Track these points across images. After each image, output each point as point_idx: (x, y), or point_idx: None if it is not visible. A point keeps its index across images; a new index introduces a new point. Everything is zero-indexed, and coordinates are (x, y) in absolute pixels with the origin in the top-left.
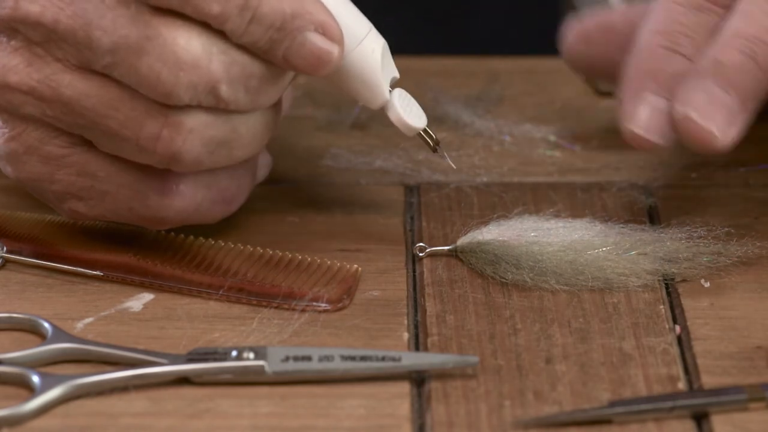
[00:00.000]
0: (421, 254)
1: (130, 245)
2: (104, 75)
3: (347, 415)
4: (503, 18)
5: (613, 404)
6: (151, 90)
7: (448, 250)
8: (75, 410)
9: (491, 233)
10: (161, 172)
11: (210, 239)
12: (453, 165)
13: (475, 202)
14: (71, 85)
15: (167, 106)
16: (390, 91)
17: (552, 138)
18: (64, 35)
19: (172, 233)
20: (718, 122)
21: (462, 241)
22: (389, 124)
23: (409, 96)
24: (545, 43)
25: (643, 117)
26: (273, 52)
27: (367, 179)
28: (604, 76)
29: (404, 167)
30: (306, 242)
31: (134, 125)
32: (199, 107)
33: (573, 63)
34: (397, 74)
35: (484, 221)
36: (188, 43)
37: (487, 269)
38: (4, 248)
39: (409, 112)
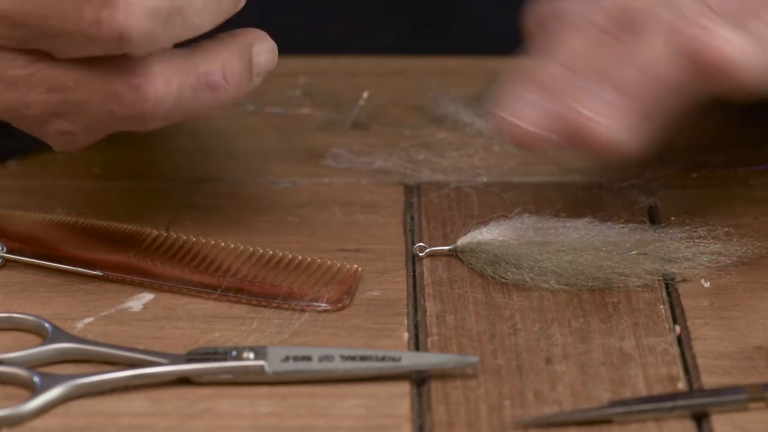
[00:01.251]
0: (421, 254)
1: (130, 245)
2: None
3: (347, 415)
4: (503, 18)
5: (613, 404)
6: None
7: (448, 250)
8: (75, 410)
9: (491, 233)
10: (128, 65)
11: (210, 239)
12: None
13: (475, 202)
14: None
15: None
16: None
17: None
18: None
19: (172, 233)
20: (605, 115)
21: (462, 241)
22: (389, 123)
23: None
24: None
25: (521, 109)
26: None
27: (367, 179)
28: None
29: (404, 167)
30: (306, 242)
31: (74, 16)
32: None
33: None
34: None
35: (484, 221)
36: None
37: (487, 269)
38: (4, 248)
39: None
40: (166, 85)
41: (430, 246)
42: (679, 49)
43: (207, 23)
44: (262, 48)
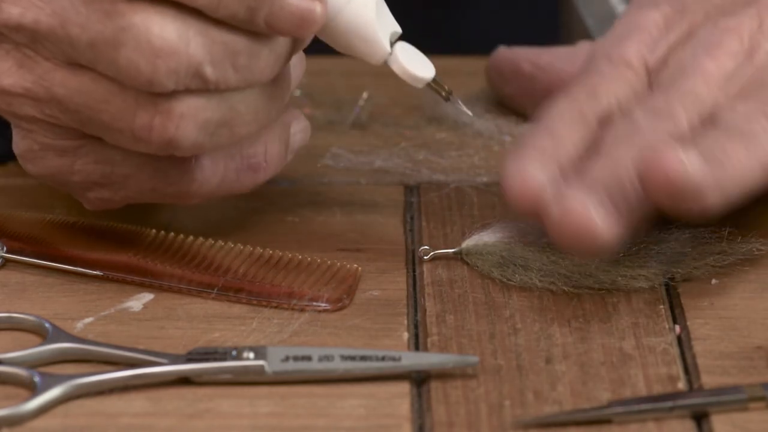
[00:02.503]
0: (425, 257)
1: (130, 245)
2: (92, 69)
3: (347, 415)
4: (503, 18)
5: (613, 404)
6: (133, 81)
7: (453, 252)
8: (75, 410)
9: (497, 235)
10: None
11: (210, 239)
12: (469, 112)
13: (475, 202)
14: (63, 83)
15: (156, 94)
16: (392, 44)
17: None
18: (46, 35)
19: (172, 233)
20: (593, 209)
21: (467, 243)
22: (389, 124)
23: (413, 48)
24: (544, 44)
25: (529, 169)
26: (254, 21)
27: (367, 179)
28: (515, 106)
29: (404, 167)
30: (306, 242)
31: (126, 117)
32: (187, 91)
33: (493, 88)
34: (398, 29)
35: (488, 222)
36: (162, 30)
37: (494, 272)
38: (4, 248)
39: (414, 63)
40: (213, 167)
41: (433, 248)
42: (636, 167)
43: (252, 132)
44: (298, 128)
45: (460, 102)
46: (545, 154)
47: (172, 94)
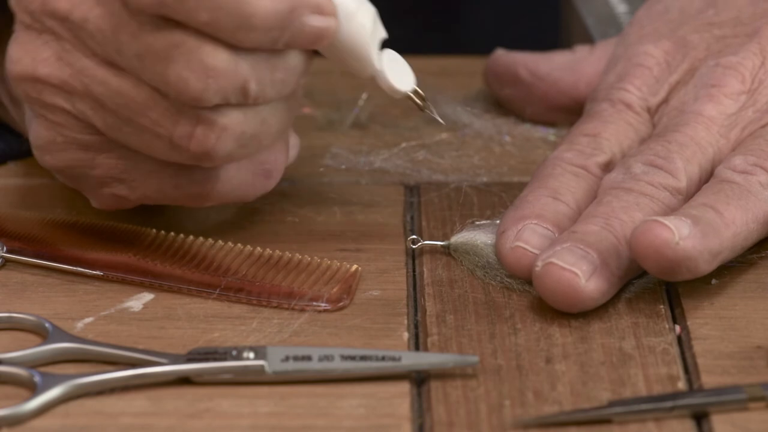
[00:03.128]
0: (413, 246)
1: (130, 245)
2: (133, 74)
3: (347, 415)
4: (503, 18)
5: (613, 404)
6: (179, 95)
7: (442, 246)
8: (75, 410)
9: (486, 235)
10: None
11: (210, 239)
12: (441, 120)
13: (475, 202)
14: (103, 81)
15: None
16: (379, 55)
17: (552, 138)
18: (92, 34)
19: (172, 233)
20: (582, 268)
21: (456, 239)
22: (389, 124)
23: (397, 57)
24: (544, 44)
25: (526, 235)
26: (275, 46)
27: (367, 179)
28: (512, 109)
29: (404, 167)
30: (306, 242)
31: (167, 123)
32: (228, 105)
33: (490, 90)
34: (384, 34)
35: (479, 219)
36: (215, 49)
37: (477, 272)
38: (4, 248)
39: (397, 76)
40: (235, 168)
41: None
42: (628, 239)
43: (273, 143)
44: (293, 142)
45: (434, 111)
46: (543, 218)
47: (215, 107)
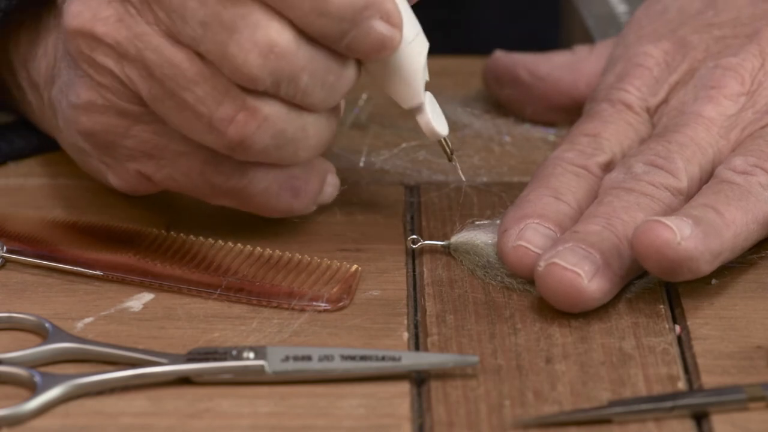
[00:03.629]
0: (413, 246)
1: (130, 245)
2: (190, 48)
3: (347, 415)
4: (503, 18)
5: (613, 404)
6: (235, 69)
7: (442, 245)
8: (75, 410)
9: (487, 235)
10: None
11: (210, 239)
12: (463, 177)
13: (475, 202)
14: (157, 49)
15: (246, 89)
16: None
17: (552, 138)
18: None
19: (172, 233)
20: (584, 268)
21: (456, 239)
22: (389, 124)
23: (435, 102)
24: (544, 44)
25: (528, 234)
26: (338, 42)
27: (367, 179)
28: (512, 109)
29: (404, 167)
30: (306, 242)
31: (211, 102)
32: (276, 97)
33: (490, 91)
34: (428, 77)
35: (479, 219)
36: (281, 28)
37: (478, 271)
38: (4, 248)
39: (436, 118)
40: (265, 170)
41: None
42: (630, 239)
43: (308, 159)
44: (332, 181)
45: (458, 166)
46: (545, 217)
47: (262, 95)
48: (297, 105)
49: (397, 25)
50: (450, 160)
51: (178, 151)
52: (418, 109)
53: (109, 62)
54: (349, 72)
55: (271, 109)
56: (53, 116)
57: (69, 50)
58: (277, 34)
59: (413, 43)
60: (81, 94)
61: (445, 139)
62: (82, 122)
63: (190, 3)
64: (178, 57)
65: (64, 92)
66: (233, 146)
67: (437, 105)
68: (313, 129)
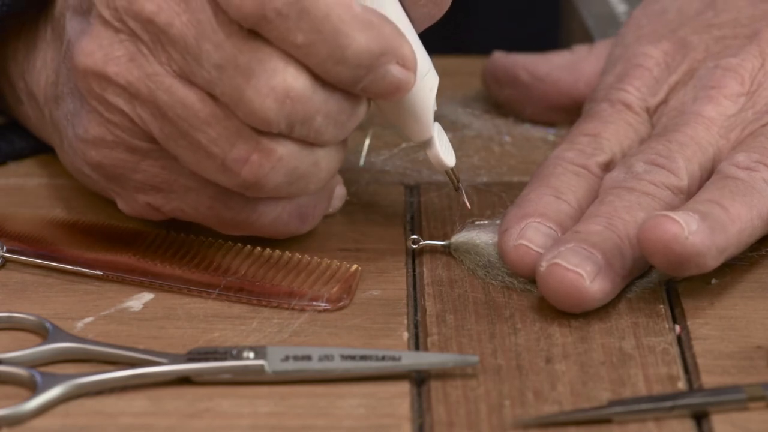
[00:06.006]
0: (414, 246)
1: (130, 245)
2: (203, 89)
3: (347, 415)
4: (503, 18)
5: (613, 404)
6: (249, 114)
7: (442, 245)
8: (75, 410)
9: (487, 235)
10: None
11: (210, 239)
12: (468, 205)
13: (475, 202)
14: (170, 90)
15: (259, 131)
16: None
17: (551, 138)
18: (174, 40)
19: (173, 232)
20: (586, 269)
21: (456, 238)
22: (389, 125)
23: (443, 132)
24: (544, 44)
25: (529, 234)
26: (353, 87)
27: (367, 179)
28: (511, 110)
29: (404, 167)
30: (306, 242)
31: (225, 144)
32: (289, 137)
33: (489, 92)
34: (436, 107)
35: (480, 219)
36: (297, 73)
37: (479, 271)
38: (4, 248)
39: (444, 150)
40: (274, 203)
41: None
42: (636, 234)
43: (317, 190)
44: (339, 193)
45: (464, 194)
46: (546, 217)
47: (276, 136)
48: (309, 143)
49: (413, 69)
50: (456, 189)
51: (188, 186)
52: (427, 143)
53: (120, 102)
54: (361, 109)
55: (284, 149)
56: (55, 133)
57: (78, 87)
58: (293, 79)
59: (425, 79)
60: (89, 129)
61: (452, 169)
62: (91, 156)
63: (206, 45)
64: (191, 98)
65: (71, 121)
66: (246, 186)
67: (444, 134)
68: (324, 162)
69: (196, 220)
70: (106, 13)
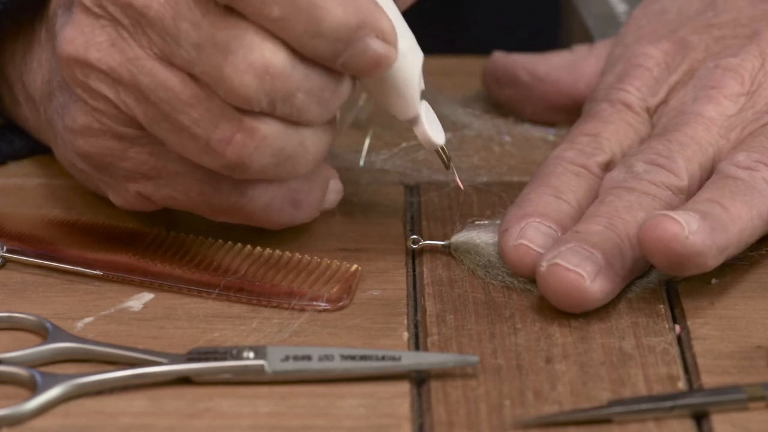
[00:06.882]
0: (414, 246)
1: (130, 245)
2: (184, 71)
3: (347, 415)
4: (503, 18)
5: (613, 404)
6: (230, 91)
7: (443, 245)
8: (75, 410)
9: (487, 235)
10: None
11: (210, 239)
12: (461, 185)
13: (474, 202)
14: (151, 73)
15: (242, 110)
16: (420, 101)
17: (551, 138)
18: (152, 21)
19: (173, 232)
20: (586, 269)
21: (456, 238)
22: (389, 124)
23: (432, 110)
24: (544, 44)
25: (529, 233)
26: (333, 61)
27: (367, 179)
28: (511, 110)
29: (404, 167)
30: (306, 242)
31: (208, 125)
32: (272, 116)
33: (489, 92)
34: (423, 86)
35: (480, 219)
36: (275, 49)
37: (479, 271)
38: (4, 248)
39: (432, 128)
40: (264, 188)
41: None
42: (636, 233)
43: (306, 172)
44: (335, 187)
45: (456, 172)
46: (546, 216)
47: (258, 114)
48: (294, 122)
49: (392, 42)
50: (447, 167)
51: (176, 172)
52: (414, 120)
53: (104, 88)
54: (344, 87)
55: (268, 128)
56: (50, 129)
57: (63, 76)
58: (271, 54)
59: (407, 55)
60: (77, 118)
61: (442, 147)
62: (79, 145)
63: (183, 25)
64: (172, 80)
65: (60, 114)
66: (232, 167)
67: (433, 113)
68: (311, 143)
69: (188, 208)
70: (87, 1)
